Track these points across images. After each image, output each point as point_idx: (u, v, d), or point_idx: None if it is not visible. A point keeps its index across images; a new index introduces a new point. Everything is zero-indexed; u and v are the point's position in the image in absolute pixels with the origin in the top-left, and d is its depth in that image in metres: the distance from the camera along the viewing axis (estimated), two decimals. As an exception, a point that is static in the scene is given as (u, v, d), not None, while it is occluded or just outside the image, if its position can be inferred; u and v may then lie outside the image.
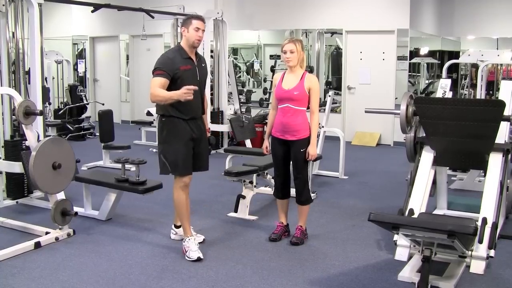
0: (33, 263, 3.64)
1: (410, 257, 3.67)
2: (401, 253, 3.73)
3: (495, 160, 3.94)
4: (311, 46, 10.24)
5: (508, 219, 4.63)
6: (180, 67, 3.68)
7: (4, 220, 4.40)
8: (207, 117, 4.32)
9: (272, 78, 10.52)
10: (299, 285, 3.34)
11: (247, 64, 11.79)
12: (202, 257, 3.70)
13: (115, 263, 3.66)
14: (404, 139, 4.42)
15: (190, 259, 3.69)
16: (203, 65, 3.92)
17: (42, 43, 5.07)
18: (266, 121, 8.44)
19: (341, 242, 4.11)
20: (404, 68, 9.02)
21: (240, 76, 11.46)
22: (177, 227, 4.14)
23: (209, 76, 8.00)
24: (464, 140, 3.91)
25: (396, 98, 8.62)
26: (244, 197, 4.69)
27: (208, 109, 4.47)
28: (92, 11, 6.73)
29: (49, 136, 5.23)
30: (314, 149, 3.94)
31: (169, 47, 8.53)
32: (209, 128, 4.26)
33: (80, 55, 12.52)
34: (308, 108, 3.94)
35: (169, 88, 3.63)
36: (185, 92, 3.51)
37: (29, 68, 5.07)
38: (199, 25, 3.71)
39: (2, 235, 4.18)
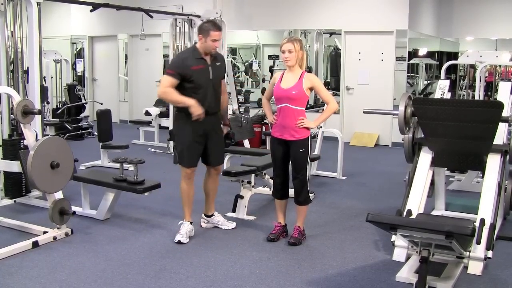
0: (31, 262, 3.63)
1: (408, 258, 3.67)
2: (399, 254, 3.73)
3: (493, 161, 3.95)
4: (309, 46, 10.23)
5: (506, 220, 4.64)
6: (191, 67, 3.92)
7: (2, 219, 4.39)
8: (226, 112, 4.41)
9: (271, 79, 10.52)
10: (296, 285, 3.34)
11: (246, 64, 11.78)
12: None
13: (113, 262, 3.66)
14: (402, 140, 4.42)
15: (174, 240, 4.01)
16: (217, 64, 4.10)
17: (40, 42, 5.04)
18: (265, 121, 8.53)
19: (339, 243, 4.11)
20: (402, 69, 9.01)
21: (238, 76, 11.45)
22: (208, 216, 4.37)
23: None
24: (462, 141, 3.91)
25: (395, 99, 8.63)
26: (242, 197, 4.69)
27: (228, 104, 4.62)
28: (91, 11, 6.69)
29: (47, 135, 5.23)
30: (310, 123, 3.92)
31: (168, 47, 8.59)
32: (229, 123, 4.41)
33: (79, 54, 12.49)
34: (311, 108, 3.93)
35: (182, 85, 3.91)
36: (196, 113, 3.85)
37: (28, 67, 5.06)
38: (217, 36, 3.93)
39: (0, 234, 4.18)
